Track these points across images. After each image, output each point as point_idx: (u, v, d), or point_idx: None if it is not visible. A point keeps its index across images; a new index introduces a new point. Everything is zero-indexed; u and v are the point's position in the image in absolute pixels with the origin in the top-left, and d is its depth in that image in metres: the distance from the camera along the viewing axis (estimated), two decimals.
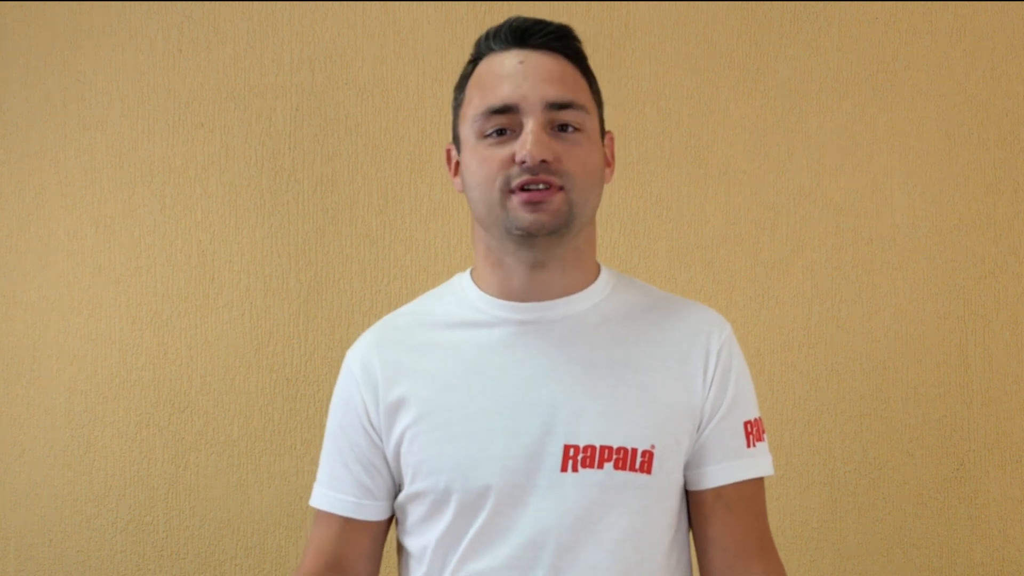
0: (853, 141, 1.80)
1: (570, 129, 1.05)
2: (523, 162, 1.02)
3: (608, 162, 1.12)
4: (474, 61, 1.12)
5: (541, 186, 1.03)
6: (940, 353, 1.79)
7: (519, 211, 1.04)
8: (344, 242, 1.81)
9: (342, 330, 1.78)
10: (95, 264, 1.79)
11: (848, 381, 1.79)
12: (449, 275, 1.41)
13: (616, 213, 1.79)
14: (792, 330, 1.79)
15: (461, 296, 1.14)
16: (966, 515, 1.77)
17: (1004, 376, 1.79)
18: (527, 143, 1.02)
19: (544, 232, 1.04)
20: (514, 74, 1.05)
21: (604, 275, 1.14)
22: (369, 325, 1.48)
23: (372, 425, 1.13)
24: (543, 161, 1.02)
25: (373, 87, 1.82)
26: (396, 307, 1.53)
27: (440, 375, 1.10)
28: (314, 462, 1.55)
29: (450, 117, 1.53)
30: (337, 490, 1.14)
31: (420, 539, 1.09)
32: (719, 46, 1.82)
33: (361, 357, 1.15)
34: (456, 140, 1.13)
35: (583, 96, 1.07)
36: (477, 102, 1.07)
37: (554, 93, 1.04)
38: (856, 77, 1.81)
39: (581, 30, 1.11)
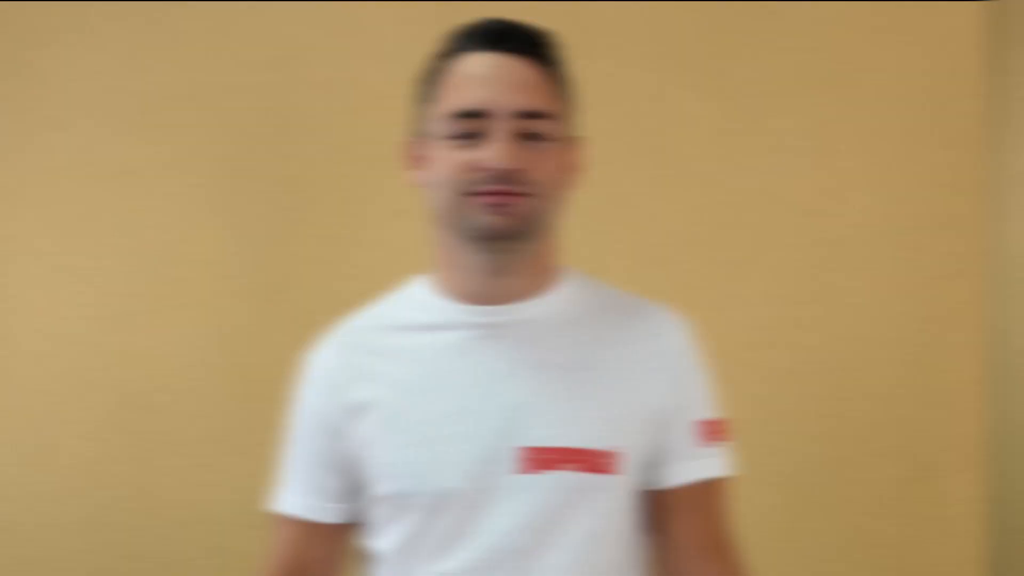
0: (813, 142, 1.84)
1: (538, 138, 1.06)
2: (490, 171, 1.04)
3: (577, 166, 1.14)
4: (444, 56, 1.12)
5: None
6: (899, 354, 1.82)
7: (479, 213, 1.05)
8: (305, 242, 1.84)
9: (304, 330, 1.73)
10: (55, 264, 1.82)
11: (808, 382, 1.82)
12: (411, 274, 1.38)
13: (577, 213, 1.75)
14: (752, 330, 1.82)
15: (420, 299, 1.15)
16: (928, 517, 1.81)
17: (963, 378, 1.84)
18: (494, 152, 1.03)
19: (502, 236, 1.05)
20: (487, 78, 1.06)
21: (564, 278, 1.16)
22: (330, 325, 1.45)
23: (333, 429, 1.14)
24: (509, 170, 1.04)
25: (334, 85, 1.83)
26: (357, 307, 1.50)
27: (399, 379, 1.11)
28: (276, 462, 1.61)
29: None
30: (297, 493, 1.15)
31: (382, 542, 1.09)
32: (679, 47, 1.84)
33: (321, 362, 1.17)
34: (418, 134, 1.14)
35: (554, 105, 1.08)
36: (447, 103, 1.08)
37: (524, 102, 1.05)
38: (816, 79, 1.84)
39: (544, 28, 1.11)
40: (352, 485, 1.15)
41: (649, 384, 1.08)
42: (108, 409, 1.82)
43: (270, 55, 1.85)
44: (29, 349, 1.84)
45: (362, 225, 1.85)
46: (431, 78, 1.11)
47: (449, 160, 1.06)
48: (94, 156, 1.85)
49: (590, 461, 1.04)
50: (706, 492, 1.09)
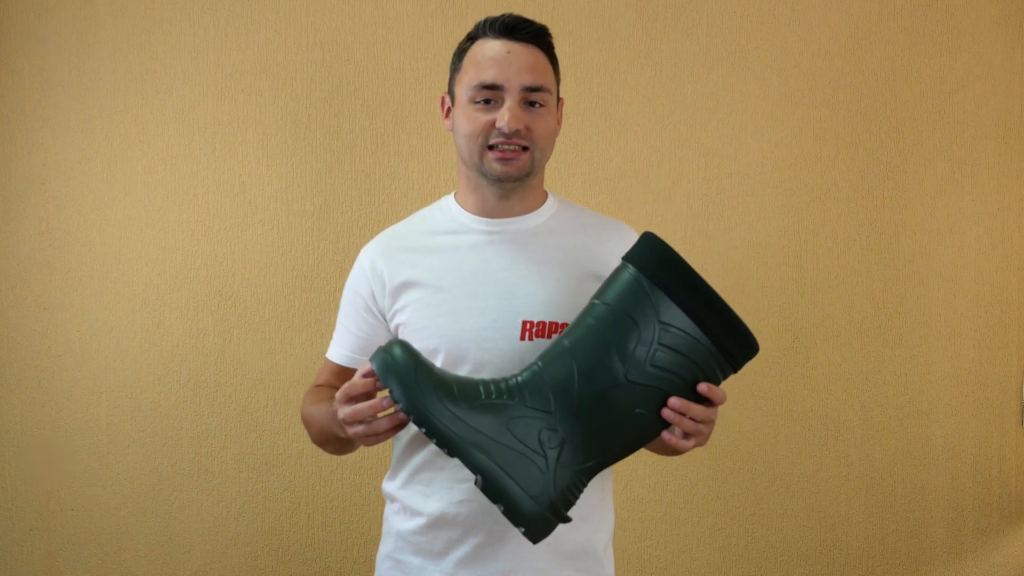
0: (717, 102, 2.00)
1: (537, 105, 1.18)
2: (501, 130, 1.15)
3: (559, 120, 1.25)
4: (471, 38, 1.21)
5: (513, 147, 1.17)
6: (780, 256, 2.02)
7: (494, 164, 1.17)
8: (346, 175, 1.98)
9: (345, 240, 1.98)
10: (164, 192, 1.97)
11: (714, 278, 1.77)
12: (423, 201, 1.67)
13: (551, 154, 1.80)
14: (672, 241, 1.87)
15: (448, 212, 1.27)
16: (800, 375, 2.04)
17: (827, 273, 2.03)
18: (506, 116, 1.14)
19: (510, 180, 1.19)
20: (501, 60, 1.16)
21: (551, 199, 1.28)
22: (365, 237, 1.78)
23: (376, 306, 1.26)
24: (516, 130, 1.15)
25: (367, 62, 1.96)
26: (385, 225, 1.76)
27: (432, 267, 1.21)
28: (324, 337, 1.85)
29: (423, 82, 1.81)
30: (339, 346, 1.31)
31: None
32: (620, 32, 1.99)
33: (371, 255, 1.27)
34: (451, 93, 1.24)
35: (549, 80, 1.19)
36: (472, 74, 1.17)
37: (529, 79, 1.16)
38: (720, 55, 2.00)
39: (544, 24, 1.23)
40: (377, 346, 1.18)
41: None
42: (201, 297, 1.98)
43: (321, 39, 1.95)
44: (145, 254, 1.97)
45: (386, 163, 1.96)
46: (460, 55, 1.22)
47: (473, 120, 1.17)
48: (191, 113, 1.96)
49: None
50: None
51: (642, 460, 2.04)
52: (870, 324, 2.04)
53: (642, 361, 1.00)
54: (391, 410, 1.05)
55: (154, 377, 2.00)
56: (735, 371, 1.05)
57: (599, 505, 1.23)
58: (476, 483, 1.01)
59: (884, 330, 2.04)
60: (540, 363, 1.04)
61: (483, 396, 1.00)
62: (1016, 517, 2.08)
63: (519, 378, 1.03)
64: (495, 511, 1.14)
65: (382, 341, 1.27)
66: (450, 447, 0.98)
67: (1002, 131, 2.05)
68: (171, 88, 1.98)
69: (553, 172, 1.98)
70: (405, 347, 1.02)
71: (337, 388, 1.25)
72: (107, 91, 1.98)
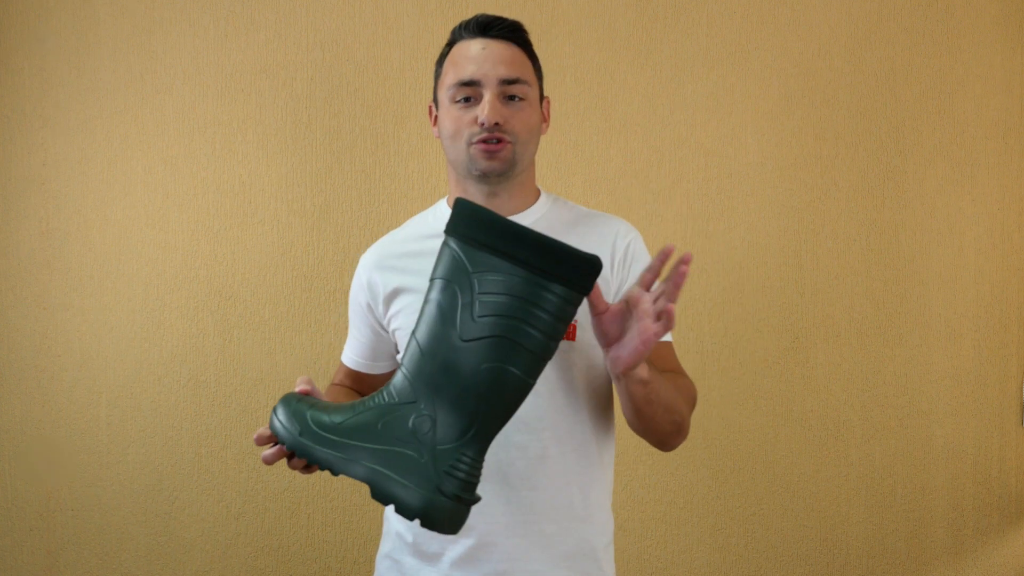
0: (717, 102, 2.02)
1: (516, 99, 1.18)
2: (482, 124, 1.15)
3: (545, 119, 1.25)
4: (450, 44, 1.23)
5: (495, 140, 1.17)
6: (780, 256, 2.04)
7: (478, 158, 1.17)
8: (346, 175, 2.00)
9: (345, 240, 1.99)
10: (164, 192, 1.99)
11: (714, 277, 2.03)
12: (423, 201, 1.75)
13: (545, 155, 1.94)
14: (672, 240, 2.01)
15: (441, 216, 1.28)
16: (800, 375, 2.05)
17: (828, 273, 2.05)
18: (485, 109, 1.15)
19: (495, 174, 1.19)
20: (478, 57, 1.17)
21: (543, 198, 1.27)
22: (365, 237, 1.82)
23: (373, 315, 1.29)
24: (496, 123, 1.15)
25: (367, 62, 1.99)
26: (384, 224, 1.83)
27: (422, 271, 1.20)
28: (324, 338, 1.91)
29: (423, 82, 1.83)
30: (350, 351, 1.35)
31: None
32: (620, 32, 2.01)
33: (367, 266, 1.29)
34: (435, 100, 1.26)
35: (527, 74, 1.19)
36: (451, 75, 1.19)
37: (506, 72, 1.17)
38: (720, 55, 2.02)
39: (517, 20, 1.24)
40: (391, 348, 1.30)
41: (611, 273, 1.20)
42: (201, 297, 2.00)
43: (320, 39, 1.98)
44: (145, 254, 1.99)
45: (386, 163, 1.98)
46: (441, 61, 1.24)
47: (455, 119, 1.18)
48: (191, 113, 1.99)
49: None
50: (660, 351, 1.21)
51: (642, 460, 2.05)
52: (870, 324, 2.05)
53: (469, 316, 0.99)
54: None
55: (154, 377, 2.02)
56: (582, 292, 1.01)
57: (598, 506, 1.23)
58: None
59: (884, 330, 2.05)
60: (402, 362, 1.05)
61: (356, 410, 1.01)
62: (1016, 517, 2.09)
63: (389, 384, 1.04)
64: (488, 512, 1.15)
65: (386, 347, 1.31)
66: (330, 467, 0.99)
67: (1002, 131, 2.05)
68: (171, 88, 2.00)
69: (553, 172, 2.00)
70: (291, 395, 1.04)
71: (351, 388, 1.35)
72: (107, 91, 2.00)
